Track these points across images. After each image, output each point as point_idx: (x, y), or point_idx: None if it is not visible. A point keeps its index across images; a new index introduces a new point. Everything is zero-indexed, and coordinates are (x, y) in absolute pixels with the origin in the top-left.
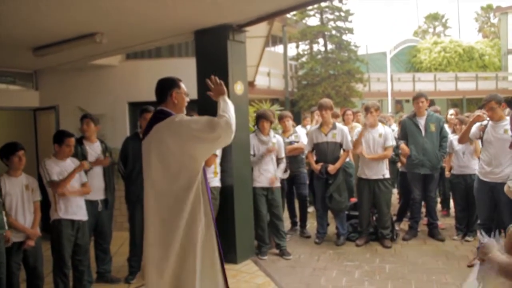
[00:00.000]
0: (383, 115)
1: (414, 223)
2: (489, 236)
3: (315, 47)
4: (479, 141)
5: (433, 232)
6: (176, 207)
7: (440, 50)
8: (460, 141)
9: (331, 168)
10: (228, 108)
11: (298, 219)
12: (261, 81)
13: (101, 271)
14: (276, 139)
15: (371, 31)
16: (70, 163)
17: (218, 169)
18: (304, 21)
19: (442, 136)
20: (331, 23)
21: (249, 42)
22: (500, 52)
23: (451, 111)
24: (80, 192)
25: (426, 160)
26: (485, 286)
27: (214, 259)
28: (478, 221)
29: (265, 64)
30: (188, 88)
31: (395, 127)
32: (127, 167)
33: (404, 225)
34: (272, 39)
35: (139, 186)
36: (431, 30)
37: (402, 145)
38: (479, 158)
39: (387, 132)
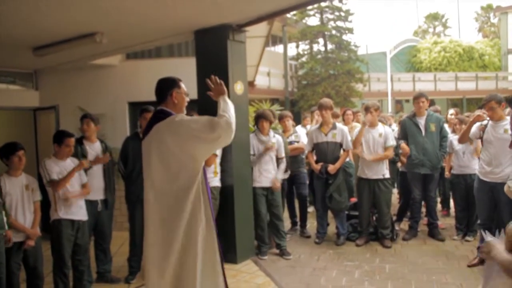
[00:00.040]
0: (383, 115)
1: (414, 223)
2: (492, 235)
3: (315, 47)
4: (479, 141)
5: (433, 232)
6: (176, 207)
7: (440, 50)
8: (460, 141)
9: (331, 168)
10: (228, 108)
11: (298, 219)
12: (261, 81)
13: (101, 271)
14: (276, 138)
15: (371, 31)
16: (70, 163)
17: (218, 169)
18: (304, 21)
19: (442, 136)
20: (331, 23)
21: (249, 42)
22: (500, 52)
23: (451, 111)
24: (82, 195)
25: (426, 160)
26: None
27: (215, 260)
28: (478, 221)
29: (265, 64)
30: (188, 88)
31: (395, 127)
32: (127, 167)
33: (404, 225)
34: (272, 39)
35: (139, 186)
36: (431, 30)
37: (403, 144)
38: (479, 158)
39: (387, 132)
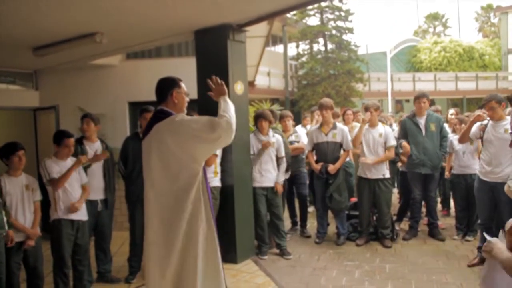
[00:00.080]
0: (383, 114)
1: (414, 223)
2: (494, 236)
3: (315, 47)
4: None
5: (433, 232)
6: (177, 207)
7: (440, 50)
8: (460, 140)
9: (331, 168)
10: (228, 109)
11: (298, 219)
12: (261, 81)
13: (101, 271)
14: (275, 138)
15: (371, 31)
16: (71, 162)
17: (219, 169)
18: (304, 20)
19: (442, 136)
20: (331, 22)
21: (249, 42)
22: (500, 51)
23: (451, 110)
24: (83, 199)
25: (427, 160)
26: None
27: (216, 260)
28: (479, 221)
29: (265, 64)
30: (188, 88)
31: (395, 126)
32: (127, 167)
33: (404, 225)
34: (272, 39)
35: (139, 186)
36: (431, 29)
37: (404, 143)
38: (479, 157)
39: (388, 132)
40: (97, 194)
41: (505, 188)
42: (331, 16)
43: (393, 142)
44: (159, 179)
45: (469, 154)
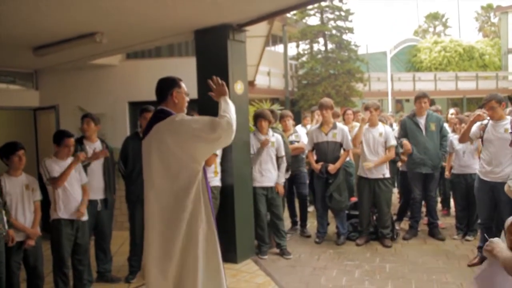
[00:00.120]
0: (383, 114)
1: (415, 222)
2: (494, 236)
3: (315, 47)
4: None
5: (434, 232)
6: (177, 207)
7: (440, 50)
8: (461, 140)
9: (331, 167)
10: (229, 109)
11: (298, 219)
12: (261, 81)
13: (101, 271)
14: (275, 137)
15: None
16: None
17: (219, 169)
18: (304, 20)
19: (442, 135)
20: (331, 22)
21: (249, 42)
22: (500, 51)
23: (452, 110)
24: (86, 198)
25: (427, 159)
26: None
27: (217, 260)
28: (479, 221)
29: (265, 64)
30: (188, 88)
31: (395, 126)
32: (127, 167)
33: (405, 224)
34: (272, 39)
35: (139, 186)
36: (431, 29)
37: (405, 141)
38: (479, 157)
39: (388, 132)
40: (97, 194)
41: (505, 187)
42: (331, 16)
43: (393, 142)
44: (159, 179)
45: (469, 154)
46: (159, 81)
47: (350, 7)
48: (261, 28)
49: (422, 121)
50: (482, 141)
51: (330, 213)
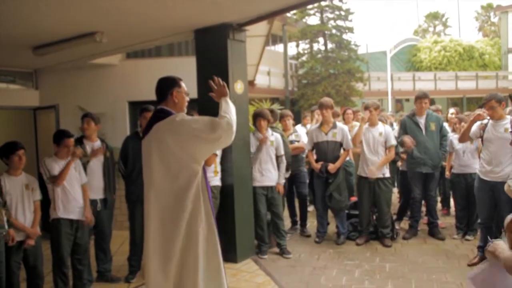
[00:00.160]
0: (383, 114)
1: (414, 222)
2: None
3: (315, 46)
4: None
5: (433, 231)
6: (177, 207)
7: (440, 49)
8: (461, 140)
9: (331, 167)
10: (229, 110)
11: (298, 218)
12: (261, 80)
13: (101, 270)
14: (274, 137)
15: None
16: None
17: (219, 168)
18: (304, 20)
19: (442, 135)
20: (331, 22)
21: (249, 41)
22: (500, 51)
23: (452, 110)
24: (87, 198)
25: (428, 159)
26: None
27: (217, 259)
28: (479, 220)
29: (265, 63)
30: (188, 87)
31: (396, 126)
32: (127, 166)
33: (404, 224)
34: (272, 38)
35: (139, 186)
36: (431, 29)
37: (406, 138)
38: (479, 157)
39: (388, 132)
40: (97, 193)
41: (505, 187)
42: (331, 16)
43: (393, 141)
44: (159, 179)
45: (469, 154)
46: (159, 81)
47: (350, 6)
48: (261, 27)
49: (422, 120)
50: (482, 140)
51: (330, 213)
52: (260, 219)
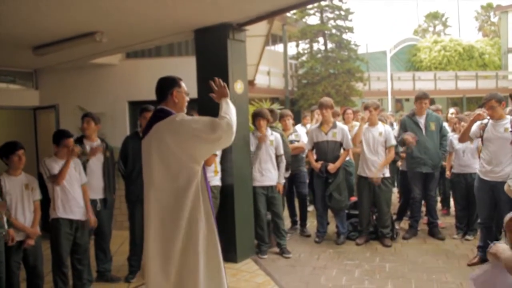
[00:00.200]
0: (383, 113)
1: (414, 222)
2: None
3: (315, 46)
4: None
5: (433, 231)
6: (176, 206)
7: (440, 49)
8: (461, 140)
9: (331, 167)
10: (230, 110)
11: (298, 218)
12: (261, 80)
13: (101, 270)
14: (274, 136)
15: (371, 30)
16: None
17: (219, 168)
18: (304, 20)
19: (442, 135)
20: (331, 22)
21: (249, 41)
22: (500, 51)
23: (452, 110)
24: (87, 198)
25: (428, 159)
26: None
27: (217, 259)
28: (479, 220)
29: (265, 63)
30: (188, 87)
31: (396, 125)
32: (127, 166)
33: (404, 224)
34: (272, 38)
35: (139, 186)
36: (431, 29)
37: (406, 135)
38: (479, 157)
39: (388, 131)
40: (97, 193)
41: (505, 187)
42: (331, 15)
43: (393, 141)
44: (159, 179)
45: (469, 153)
46: (159, 81)
47: (350, 6)
48: (261, 27)
49: (422, 120)
50: (482, 140)
51: (330, 213)
52: (260, 219)
